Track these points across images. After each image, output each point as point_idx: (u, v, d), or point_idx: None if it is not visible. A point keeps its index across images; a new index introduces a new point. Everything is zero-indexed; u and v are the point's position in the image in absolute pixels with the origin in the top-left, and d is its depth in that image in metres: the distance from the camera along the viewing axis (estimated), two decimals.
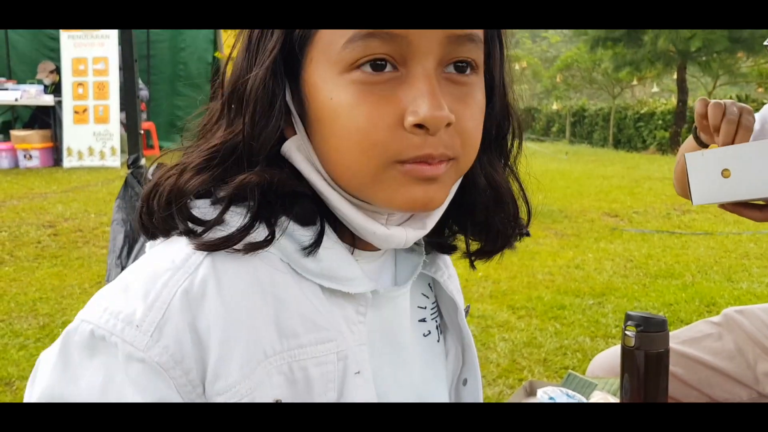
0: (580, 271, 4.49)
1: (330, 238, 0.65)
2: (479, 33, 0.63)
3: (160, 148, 10.01)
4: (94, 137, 9.13)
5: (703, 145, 1.32)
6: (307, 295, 0.63)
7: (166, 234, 0.63)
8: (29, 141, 9.18)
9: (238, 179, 0.61)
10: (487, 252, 0.77)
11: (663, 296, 3.98)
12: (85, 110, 9.13)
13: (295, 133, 0.65)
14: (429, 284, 0.80)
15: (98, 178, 8.05)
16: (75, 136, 9.13)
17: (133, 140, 2.17)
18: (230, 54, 0.67)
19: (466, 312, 0.82)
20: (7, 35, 11.30)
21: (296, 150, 0.64)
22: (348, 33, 0.58)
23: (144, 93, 9.75)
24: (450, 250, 0.78)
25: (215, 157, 0.63)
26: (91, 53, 9.11)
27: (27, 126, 10.23)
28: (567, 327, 3.47)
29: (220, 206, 0.61)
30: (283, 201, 0.62)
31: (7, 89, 9.52)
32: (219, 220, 0.60)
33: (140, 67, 9.86)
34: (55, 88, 9.49)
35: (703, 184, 1.18)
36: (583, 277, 4.38)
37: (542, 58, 29.78)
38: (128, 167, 2.06)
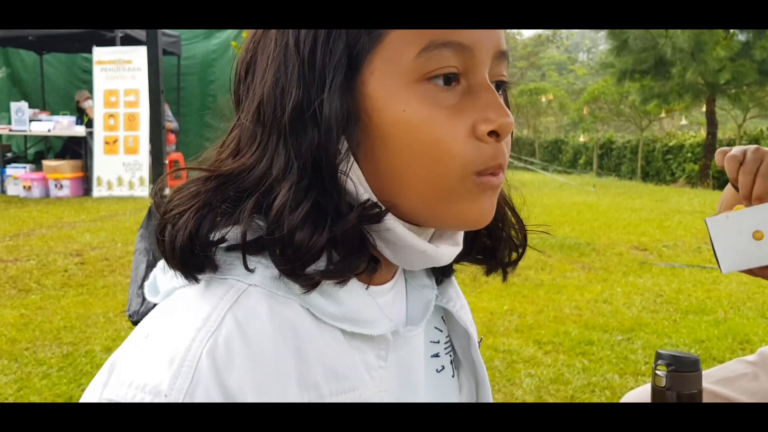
0: (608, 306, 4.41)
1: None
2: (507, 51, 0.65)
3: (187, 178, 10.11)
4: (123, 167, 9.28)
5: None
6: (328, 342, 0.60)
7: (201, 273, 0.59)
8: (60, 171, 9.36)
9: (341, 227, 0.57)
10: (510, 262, 0.77)
11: (694, 332, 3.88)
12: (115, 141, 9.30)
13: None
14: (441, 317, 0.77)
15: (126, 207, 8.15)
16: (105, 166, 9.29)
17: (158, 170, 2.18)
18: (239, 71, 0.64)
19: (479, 343, 0.80)
20: (42, 68, 11.62)
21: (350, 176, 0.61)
22: (422, 42, 0.58)
23: (175, 125, 9.92)
24: (451, 271, 0.78)
25: (299, 189, 0.58)
26: (122, 85, 9.30)
27: (59, 156, 10.45)
28: (595, 363, 3.39)
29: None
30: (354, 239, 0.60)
31: (40, 120, 9.75)
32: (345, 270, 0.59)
33: (170, 98, 10.08)
34: (88, 120, 9.69)
35: (732, 250, 1.09)
36: (612, 311, 4.29)
37: (569, 90, 29.81)
38: (152, 197, 2.06)
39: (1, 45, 11.11)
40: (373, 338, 0.63)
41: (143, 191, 9.20)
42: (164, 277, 0.64)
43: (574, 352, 3.54)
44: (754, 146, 1.19)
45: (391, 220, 0.61)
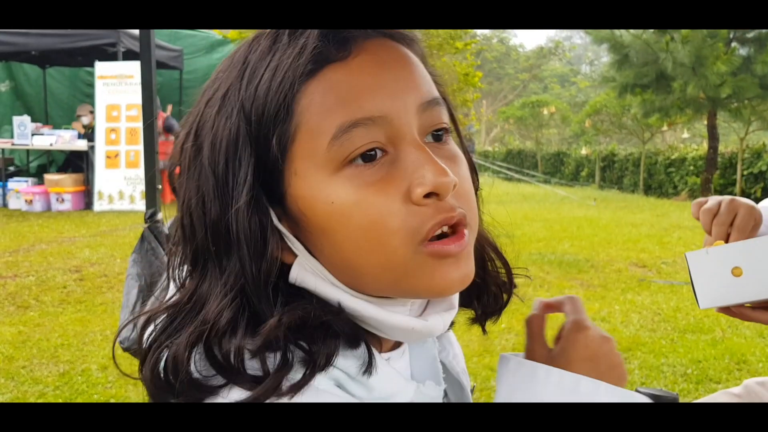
0: (606, 324, 4.40)
1: (375, 360, 0.61)
2: (440, 96, 0.63)
3: None
4: (124, 181, 9.31)
5: None
6: None
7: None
8: (62, 185, 9.39)
9: (264, 331, 0.55)
10: (494, 311, 0.76)
11: (691, 352, 3.87)
12: (116, 155, 9.34)
13: (294, 256, 0.61)
14: None
15: (126, 222, 8.17)
16: (106, 180, 9.32)
17: (151, 195, 2.19)
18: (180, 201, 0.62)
19: (471, 391, 0.80)
20: (45, 82, 11.68)
21: (305, 272, 0.61)
22: (330, 131, 0.57)
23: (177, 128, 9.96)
24: (450, 325, 0.75)
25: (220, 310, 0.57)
26: (124, 100, 9.35)
27: (61, 170, 10.48)
28: None
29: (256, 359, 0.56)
30: (316, 331, 0.58)
31: (43, 134, 9.79)
32: (282, 377, 0.55)
33: (173, 113, 10.10)
34: (90, 133, 9.73)
35: (710, 285, 1.07)
36: (609, 330, 4.28)
37: (571, 103, 29.87)
38: (145, 221, 2.07)
39: (4, 59, 11.18)
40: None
41: (144, 205, 9.20)
42: None
43: None
44: (729, 198, 1.18)
45: (361, 309, 0.60)
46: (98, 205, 9.31)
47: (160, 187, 2.28)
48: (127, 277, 2.06)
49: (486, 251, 0.74)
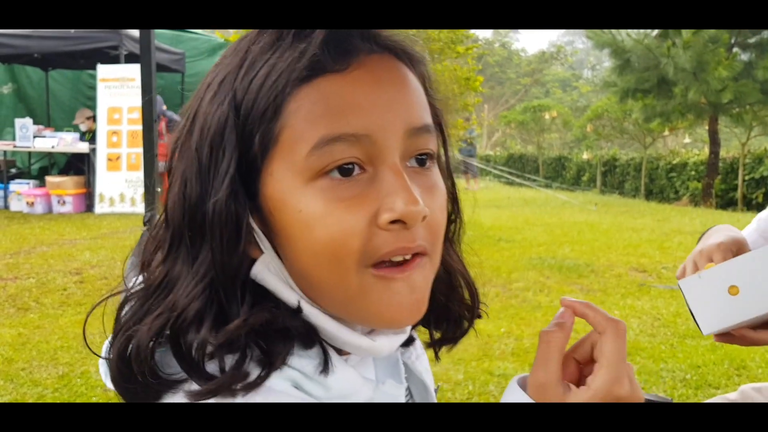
0: None
1: (331, 359, 0.61)
2: (431, 123, 0.63)
3: None
4: (125, 184, 9.33)
5: None
6: None
7: (158, 397, 0.59)
8: (63, 187, 9.40)
9: (229, 329, 0.56)
10: (451, 338, 0.75)
11: (691, 357, 3.86)
12: (118, 158, 9.36)
13: (261, 253, 0.61)
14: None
15: (127, 224, 8.18)
16: (107, 182, 9.33)
17: (150, 197, 2.20)
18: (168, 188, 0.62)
19: (436, 391, 0.80)
20: (47, 84, 11.70)
21: (267, 271, 0.61)
22: (312, 140, 0.57)
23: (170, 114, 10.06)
24: (410, 341, 0.77)
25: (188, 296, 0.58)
26: (126, 102, 9.37)
27: (62, 172, 10.50)
28: None
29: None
30: (276, 333, 0.59)
31: (45, 136, 9.81)
32: (237, 375, 0.56)
33: (175, 113, 10.10)
34: (92, 136, 9.75)
35: (709, 309, 1.05)
36: None
37: (573, 108, 29.85)
38: (144, 224, 2.08)
39: (7, 61, 11.20)
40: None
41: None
42: None
43: None
44: (696, 251, 1.18)
45: (313, 317, 0.61)
46: (99, 208, 9.32)
47: (159, 189, 2.29)
48: (125, 279, 2.06)
49: (456, 279, 0.74)
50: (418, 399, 0.78)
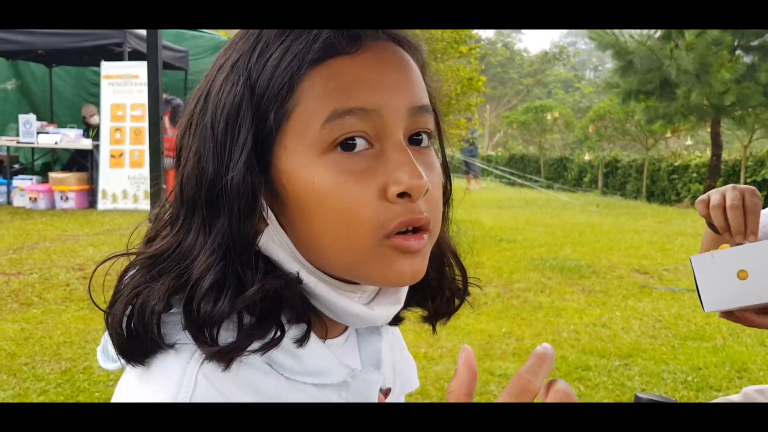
0: (606, 330, 4.40)
1: (310, 335, 0.65)
2: (429, 104, 0.67)
3: None
4: (128, 181, 9.34)
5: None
6: (298, 397, 0.64)
7: (148, 356, 0.62)
8: (66, 183, 9.42)
9: (247, 295, 0.60)
10: (445, 313, 0.80)
11: (692, 359, 3.87)
12: (121, 154, 9.37)
13: (265, 225, 0.64)
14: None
15: (130, 221, 8.19)
16: (110, 179, 9.35)
17: (156, 195, 2.20)
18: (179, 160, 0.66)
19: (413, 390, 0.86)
20: (51, 80, 11.72)
21: (272, 242, 0.64)
22: (325, 113, 0.61)
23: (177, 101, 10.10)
24: (399, 320, 0.81)
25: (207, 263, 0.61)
26: (129, 99, 9.38)
27: (65, 168, 10.51)
28: (591, 389, 3.38)
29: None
30: (286, 301, 0.63)
31: (48, 132, 9.82)
32: (253, 336, 0.60)
33: (179, 109, 10.10)
34: (95, 133, 9.76)
35: (716, 289, 1.08)
36: (610, 336, 4.28)
37: (575, 108, 29.84)
38: (149, 221, 2.08)
39: (11, 57, 11.22)
40: (335, 384, 0.67)
41: (147, 204, 9.23)
42: None
43: (570, 377, 3.54)
44: (729, 186, 1.19)
45: (314, 286, 0.64)
46: (102, 204, 9.33)
47: (164, 186, 2.30)
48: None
49: (446, 256, 0.78)
50: (398, 391, 0.82)
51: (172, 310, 0.62)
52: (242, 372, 0.61)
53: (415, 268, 0.64)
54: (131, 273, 0.65)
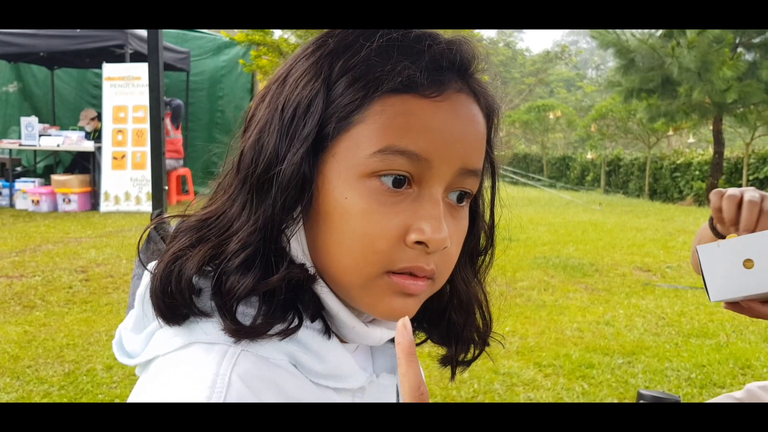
0: (609, 328, 4.40)
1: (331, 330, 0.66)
2: (480, 168, 0.67)
3: (195, 193, 10.18)
4: (131, 182, 9.34)
5: (720, 237, 1.25)
6: (329, 397, 0.65)
7: (185, 318, 0.64)
8: (69, 185, 9.42)
9: (273, 280, 0.62)
10: (463, 361, 0.80)
11: (695, 356, 3.86)
12: (123, 156, 9.37)
13: (292, 220, 0.65)
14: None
15: (132, 223, 8.20)
16: (112, 181, 9.35)
17: (158, 195, 2.20)
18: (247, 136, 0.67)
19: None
20: (53, 83, 11.74)
21: (293, 238, 0.65)
22: (380, 144, 0.61)
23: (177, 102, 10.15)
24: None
25: (246, 241, 0.63)
26: (131, 101, 9.38)
27: (68, 171, 10.52)
28: (595, 387, 3.38)
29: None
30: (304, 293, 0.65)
31: (50, 135, 9.83)
32: (268, 323, 0.61)
33: (179, 110, 10.13)
34: (97, 135, 9.77)
35: (721, 278, 1.07)
36: (613, 334, 4.28)
37: (577, 107, 29.82)
38: (152, 221, 2.08)
39: (13, 60, 11.24)
40: (353, 390, 0.68)
41: (149, 206, 9.22)
42: (136, 338, 0.66)
43: (574, 375, 3.54)
44: (752, 188, 1.20)
45: (321, 288, 0.65)
46: (104, 206, 9.33)
47: (166, 188, 2.30)
48: (133, 278, 2.07)
49: (472, 306, 0.78)
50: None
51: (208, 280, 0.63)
52: (272, 373, 0.61)
53: (406, 308, 0.64)
54: (179, 236, 0.67)
